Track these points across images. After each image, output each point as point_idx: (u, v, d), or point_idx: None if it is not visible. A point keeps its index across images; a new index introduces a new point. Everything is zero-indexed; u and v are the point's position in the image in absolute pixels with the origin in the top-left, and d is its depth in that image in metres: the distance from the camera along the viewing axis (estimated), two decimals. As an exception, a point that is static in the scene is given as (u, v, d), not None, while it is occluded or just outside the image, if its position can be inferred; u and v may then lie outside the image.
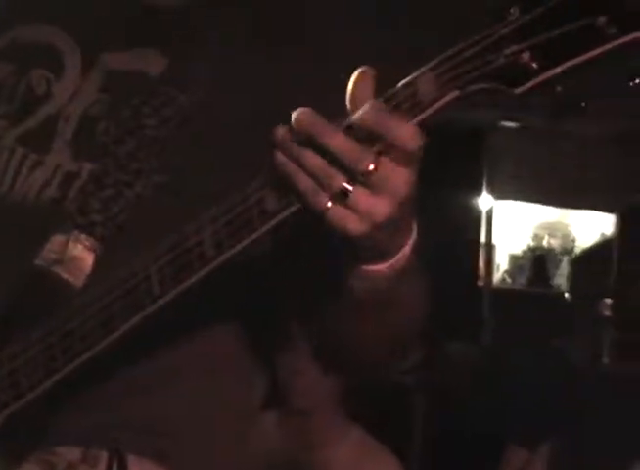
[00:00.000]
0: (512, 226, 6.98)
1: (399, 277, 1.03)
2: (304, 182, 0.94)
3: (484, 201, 6.16)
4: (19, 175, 1.23)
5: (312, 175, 0.94)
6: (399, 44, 1.22)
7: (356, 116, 0.94)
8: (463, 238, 6.16)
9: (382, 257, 1.01)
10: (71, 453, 1.18)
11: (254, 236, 1.00)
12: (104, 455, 1.18)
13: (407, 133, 0.93)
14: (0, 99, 1.28)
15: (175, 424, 1.21)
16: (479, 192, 6.13)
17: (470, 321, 5.72)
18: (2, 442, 1.15)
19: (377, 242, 0.98)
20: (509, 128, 5.88)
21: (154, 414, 1.20)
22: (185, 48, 1.23)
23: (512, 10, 0.92)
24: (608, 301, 5.67)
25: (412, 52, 1.03)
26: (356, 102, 0.95)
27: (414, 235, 1.03)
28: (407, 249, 1.02)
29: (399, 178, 0.94)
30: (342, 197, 0.93)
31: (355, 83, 0.96)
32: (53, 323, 1.11)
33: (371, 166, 0.93)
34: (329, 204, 0.94)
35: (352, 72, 0.97)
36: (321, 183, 0.93)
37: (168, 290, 1.05)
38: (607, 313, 5.63)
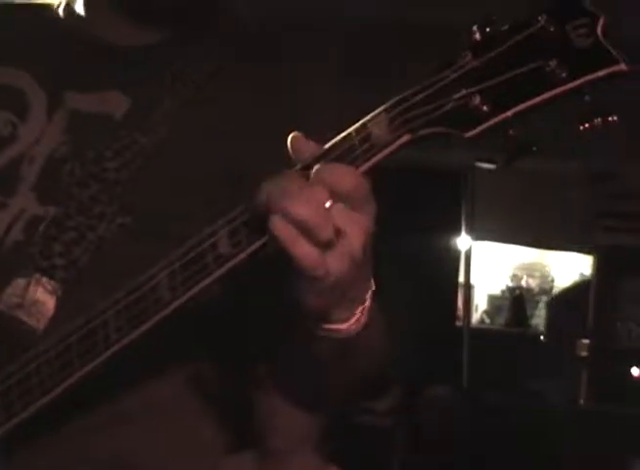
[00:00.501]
0: (490, 267, 6.99)
1: (362, 330, 1.02)
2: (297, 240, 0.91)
3: (463, 241, 6.17)
4: None
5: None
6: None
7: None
8: (441, 278, 6.16)
9: (348, 311, 1.00)
10: None
11: (209, 280, 1.00)
12: None
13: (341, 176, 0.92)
14: None
15: (134, 463, 1.20)
16: (457, 233, 6.14)
17: (448, 362, 5.71)
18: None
19: (346, 290, 0.97)
20: (487, 169, 5.90)
21: (112, 453, 1.19)
22: (147, 90, 1.23)
23: (464, 53, 0.93)
24: (585, 341, 5.69)
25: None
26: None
27: (372, 286, 1.03)
28: (368, 301, 1.02)
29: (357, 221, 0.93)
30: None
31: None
32: (11, 367, 1.10)
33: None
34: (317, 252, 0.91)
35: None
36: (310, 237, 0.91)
37: (125, 335, 1.04)
38: (584, 354, 5.64)
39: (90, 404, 1.16)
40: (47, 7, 1.34)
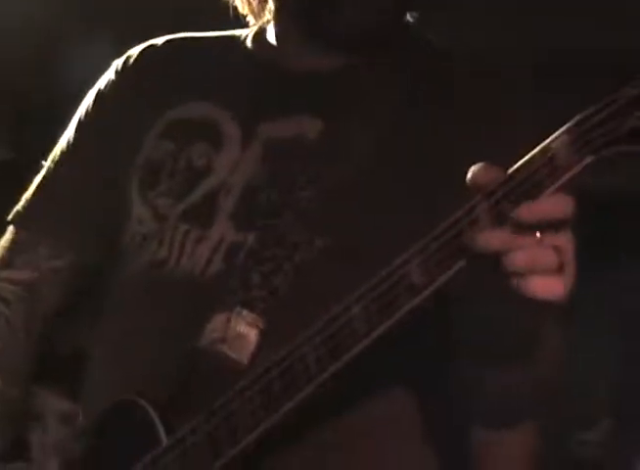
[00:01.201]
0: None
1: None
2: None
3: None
4: (183, 251, 1.24)
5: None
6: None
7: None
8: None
9: None
10: None
11: (403, 311, 1.01)
12: None
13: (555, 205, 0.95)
14: (162, 177, 1.29)
15: None
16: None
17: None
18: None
19: None
20: None
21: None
22: (338, 113, 1.24)
23: None
24: None
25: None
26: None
27: None
28: None
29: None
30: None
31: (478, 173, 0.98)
32: (216, 404, 1.12)
33: None
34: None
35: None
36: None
37: (325, 368, 1.05)
38: None
39: (322, 422, 1.17)
40: (235, 38, 1.37)
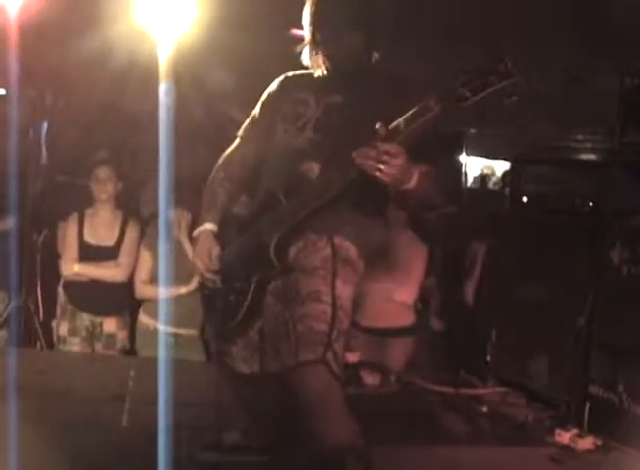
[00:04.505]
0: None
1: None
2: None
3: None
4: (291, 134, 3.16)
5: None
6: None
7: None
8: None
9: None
10: None
11: None
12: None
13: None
14: (289, 118, 3.15)
15: None
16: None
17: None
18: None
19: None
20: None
21: None
22: (344, 95, 3.06)
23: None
24: None
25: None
26: None
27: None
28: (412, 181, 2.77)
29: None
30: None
31: None
32: None
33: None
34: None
35: None
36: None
37: None
38: None
39: None
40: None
